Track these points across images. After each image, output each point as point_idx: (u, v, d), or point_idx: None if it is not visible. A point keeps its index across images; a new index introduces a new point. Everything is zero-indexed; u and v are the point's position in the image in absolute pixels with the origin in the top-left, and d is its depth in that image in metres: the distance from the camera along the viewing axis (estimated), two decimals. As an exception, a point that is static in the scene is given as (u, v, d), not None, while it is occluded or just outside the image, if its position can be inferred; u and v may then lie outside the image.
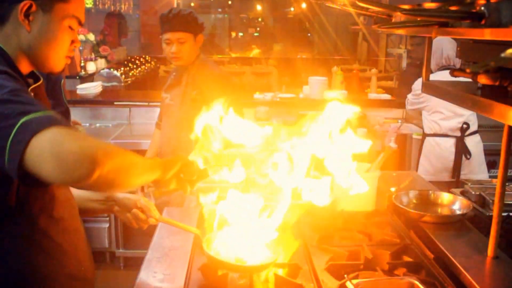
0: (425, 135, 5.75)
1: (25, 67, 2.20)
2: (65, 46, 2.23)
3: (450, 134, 5.54)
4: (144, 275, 2.50)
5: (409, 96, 5.93)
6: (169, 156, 4.47)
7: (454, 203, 3.28)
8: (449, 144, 5.54)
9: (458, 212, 3.19)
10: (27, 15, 2.11)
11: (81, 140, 1.71)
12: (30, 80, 2.25)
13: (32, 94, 2.13)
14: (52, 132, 1.68)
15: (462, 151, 5.50)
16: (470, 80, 2.20)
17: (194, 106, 4.33)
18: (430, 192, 3.42)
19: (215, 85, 4.44)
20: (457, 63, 5.34)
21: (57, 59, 2.23)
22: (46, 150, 1.66)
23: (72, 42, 2.25)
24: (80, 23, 2.26)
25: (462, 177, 5.39)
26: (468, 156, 5.48)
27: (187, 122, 4.37)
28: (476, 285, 2.33)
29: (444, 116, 5.53)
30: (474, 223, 3.08)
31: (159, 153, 4.79)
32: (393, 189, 3.58)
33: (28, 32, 2.13)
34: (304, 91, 7.51)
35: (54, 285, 2.22)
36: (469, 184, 3.65)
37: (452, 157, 5.53)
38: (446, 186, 5.01)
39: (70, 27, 2.22)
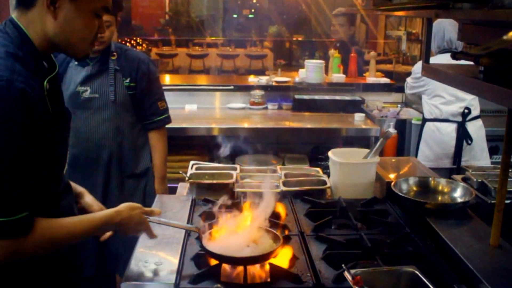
0: (425, 120, 5.74)
1: (47, 51, 2.28)
2: (91, 34, 2.29)
3: (451, 119, 5.53)
4: (134, 264, 2.49)
5: (409, 79, 5.92)
6: (91, 155, 4.21)
7: (455, 191, 3.28)
8: (450, 129, 5.52)
9: (459, 200, 3.18)
10: (53, 2, 2.16)
11: (3, 254, 2.05)
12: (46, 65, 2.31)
13: (47, 85, 2.22)
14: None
15: (463, 136, 5.49)
16: (471, 63, 2.19)
17: (131, 95, 4.26)
18: (431, 179, 3.41)
19: (142, 69, 4.30)
20: (459, 46, 5.32)
21: (82, 46, 2.31)
22: None
23: (99, 28, 2.31)
24: (107, 10, 2.33)
25: (463, 163, 5.38)
26: (470, 142, 5.48)
27: (125, 114, 4.25)
28: (478, 275, 2.33)
29: (445, 100, 5.52)
30: (476, 211, 3.08)
31: (77, 154, 4.25)
32: (392, 176, 3.58)
33: (54, 20, 2.19)
34: (300, 75, 7.49)
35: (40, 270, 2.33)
36: (471, 170, 3.65)
37: (453, 142, 5.52)
38: (447, 173, 5.03)
39: (97, 14, 2.28)
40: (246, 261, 2.45)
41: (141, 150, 4.37)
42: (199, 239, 2.67)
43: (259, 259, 2.46)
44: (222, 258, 2.45)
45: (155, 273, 2.41)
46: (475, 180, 3.49)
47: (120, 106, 4.20)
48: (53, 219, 2.22)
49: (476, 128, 5.56)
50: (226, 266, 2.48)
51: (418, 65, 5.68)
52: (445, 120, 5.54)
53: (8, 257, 2.06)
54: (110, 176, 4.26)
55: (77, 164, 4.22)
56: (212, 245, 2.53)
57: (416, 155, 5.73)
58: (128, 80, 4.22)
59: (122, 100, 4.20)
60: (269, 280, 2.42)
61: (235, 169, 3.72)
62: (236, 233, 2.65)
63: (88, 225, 2.32)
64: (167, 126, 4.52)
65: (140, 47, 12.28)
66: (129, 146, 4.31)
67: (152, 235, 2.57)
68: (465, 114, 5.48)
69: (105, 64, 4.18)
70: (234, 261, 2.47)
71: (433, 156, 5.60)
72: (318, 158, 5.68)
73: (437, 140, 5.58)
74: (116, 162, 4.27)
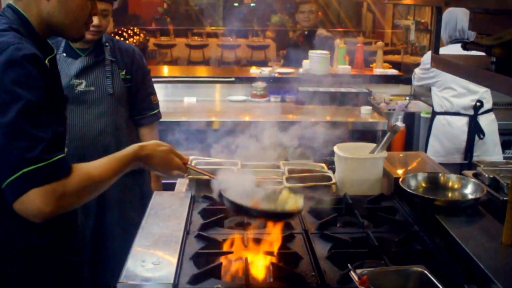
0: (434, 113, 5.72)
1: (44, 34, 2.44)
2: (84, 14, 2.45)
3: (463, 112, 5.51)
4: (131, 264, 2.49)
5: (417, 70, 5.91)
6: (88, 153, 3.98)
7: (466, 187, 3.27)
8: (461, 123, 5.51)
9: (470, 196, 3.18)
10: None
11: (48, 199, 2.12)
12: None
13: (48, 64, 2.37)
14: (35, 194, 2.09)
15: (475, 130, 5.47)
16: (483, 54, 2.19)
17: (127, 88, 4.21)
18: (440, 174, 3.41)
19: (138, 62, 4.28)
20: (472, 36, 5.31)
21: (76, 27, 2.46)
22: (29, 208, 2.11)
23: (92, 9, 2.48)
24: None
25: (475, 158, 5.37)
26: (482, 136, 5.46)
27: (121, 108, 4.19)
28: (490, 275, 2.33)
29: (456, 93, 5.50)
30: (487, 208, 3.08)
31: (71, 152, 4.11)
32: (400, 172, 3.58)
33: (47, 1, 2.35)
34: (304, 66, 7.48)
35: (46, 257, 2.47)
36: (482, 166, 3.64)
37: (464, 137, 5.50)
38: (458, 169, 5.02)
39: None
40: (268, 215, 2.61)
41: None
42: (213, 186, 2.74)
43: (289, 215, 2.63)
44: (241, 209, 2.55)
45: (153, 273, 2.42)
46: (486, 176, 3.48)
47: (117, 99, 4.12)
48: (85, 163, 2.39)
49: (488, 122, 5.54)
50: (227, 265, 2.49)
51: (428, 56, 5.66)
52: (456, 114, 5.53)
53: (57, 204, 2.14)
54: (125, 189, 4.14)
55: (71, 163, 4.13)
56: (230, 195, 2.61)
57: (425, 150, 5.72)
58: (124, 72, 4.16)
59: (119, 93, 4.14)
60: (271, 280, 2.42)
61: (236, 164, 3.72)
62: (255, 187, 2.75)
63: (118, 162, 2.49)
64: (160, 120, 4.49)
65: (138, 37, 12.28)
66: (127, 142, 4.17)
67: (185, 173, 2.84)
68: (477, 107, 5.47)
69: (100, 55, 4.11)
70: (255, 213, 2.57)
71: (443, 151, 5.59)
72: (322, 153, 5.67)
73: (447, 134, 5.57)
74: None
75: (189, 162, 2.92)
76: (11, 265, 2.38)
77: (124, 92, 4.17)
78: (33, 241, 2.40)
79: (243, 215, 2.81)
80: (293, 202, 2.68)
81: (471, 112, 5.48)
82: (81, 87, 4.04)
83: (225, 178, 2.71)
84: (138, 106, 4.26)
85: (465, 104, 5.49)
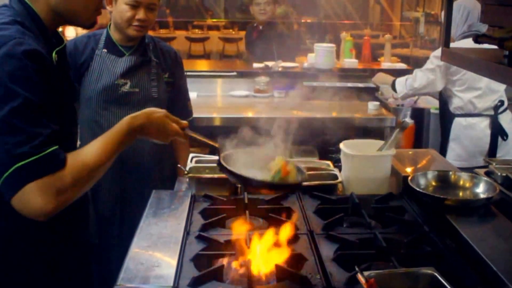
0: (452, 115, 5.61)
1: (53, 24, 2.45)
2: (94, 0, 2.45)
3: (484, 113, 5.45)
4: (129, 266, 2.49)
5: (431, 63, 5.71)
6: (127, 159, 3.93)
7: (477, 186, 3.26)
8: (484, 125, 5.43)
9: (482, 196, 3.17)
10: None
11: (47, 195, 2.14)
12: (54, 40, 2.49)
13: (56, 56, 2.41)
14: (31, 190, 2.11)
15: (498, 131, 5.41)
16: (495, 47, 2.19)
17: (168, 92, 4.17)
18: (451, 173, 3.40)
19: (180, 65, 4.30)
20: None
21: (86, 13, 2.46)
22: (27, 206, 2.13)
23: None
24: None
25: (498, 160, 5.31)
26: (505, 138, 5.39)
27: None
28: (503, 278, 2.33)
29: (481, 93, 5.39)
30: (500, 208, 3.08)
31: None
32: (409, 170, 3.58)
33: None
34: (309, 60, 7.47)
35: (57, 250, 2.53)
36: (494, 164, 3.63)
37: (487, 139, 5.44)
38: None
39: None
40: (272, 186, 2.71)
41: (172, 152, 4.31)
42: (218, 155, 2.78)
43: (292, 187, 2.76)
44: (244, 180, 2.64)
45: (152, 275, 2.42)
46: (499, 174, 3.47)
47: (159, 103, 3.95)
48: (77, 150, 2.40)
49: (508, 120, 5.49)
50: (229, 267, 2.49)
51: (439, 52, 5.56)
52: (478, 115, 5.46)
53: (57, 199, 2.16)
54: (145, 182, 4.03)
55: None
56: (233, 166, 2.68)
57: (440, 151, 5.61)
58: (167, 75, 4.15)
59: (163, 97, 4.10)
60: (275, 282, 2.42)
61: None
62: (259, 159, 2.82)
63: (113, 141, 2.44)
64: None
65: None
66: (164, 147, 4.02)
67: (184, 139, 2.86)
68: (498, 106, 5.42)
69: (145, 55, 4.08)
70: (258, 184, 2.65)
71: (466, 155, 5.46)
72: (328, 150, 5.67)
73: (470, 138, 5.44)
74: (156, 165, 4.16)
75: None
76: (19, 258, 2.42)
77: (166, 96, 4.13)
78: (41, 235, 2.44)
79: (244, 186, 2.83)
80: (295, 175, 2.78)
81: (492, 112, 5.43)
82: (126, 88, 4.00)
83: (228, 148, 2.77)
84: (176, 111, 4.24)
85: (487, 105, 5.41)
